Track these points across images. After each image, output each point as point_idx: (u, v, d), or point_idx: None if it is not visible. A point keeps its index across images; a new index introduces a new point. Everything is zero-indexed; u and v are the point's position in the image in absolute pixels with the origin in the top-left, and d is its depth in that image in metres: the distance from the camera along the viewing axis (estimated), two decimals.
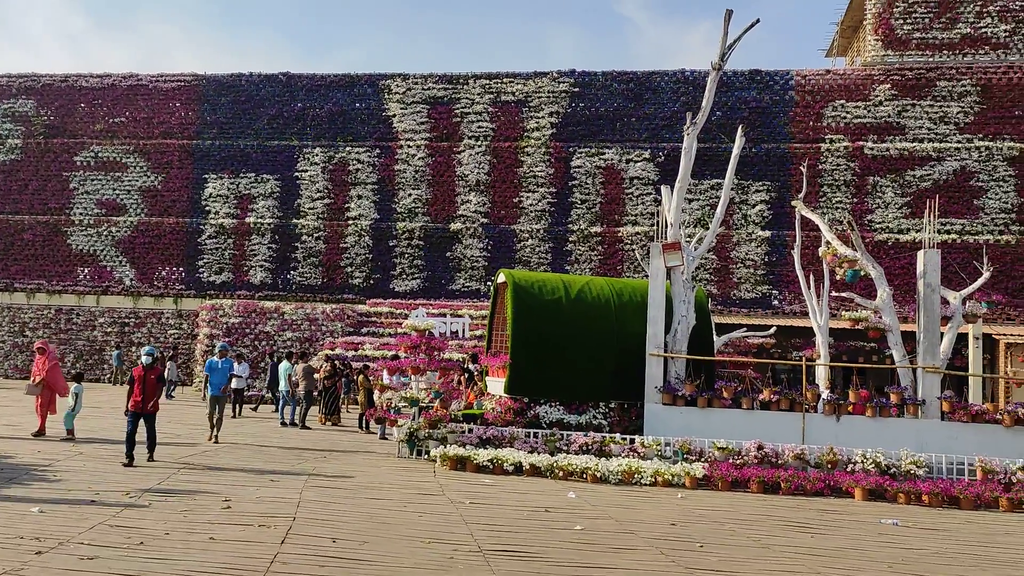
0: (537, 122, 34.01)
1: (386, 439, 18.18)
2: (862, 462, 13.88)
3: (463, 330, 30.15)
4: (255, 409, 24.85)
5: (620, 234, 33.02)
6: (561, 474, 13.62)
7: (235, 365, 20.08)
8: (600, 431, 15.85)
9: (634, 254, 31.74)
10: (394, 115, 35.23)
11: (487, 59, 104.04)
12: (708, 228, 18.93)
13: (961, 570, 8.63)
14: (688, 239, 23.58)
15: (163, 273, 36.03)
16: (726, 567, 8.25)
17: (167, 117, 36.84)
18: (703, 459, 14.40)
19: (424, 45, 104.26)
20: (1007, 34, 31.25)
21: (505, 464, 13.87)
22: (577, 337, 16.66)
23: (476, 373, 20.04)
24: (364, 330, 31.69)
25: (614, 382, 16.66)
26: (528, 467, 13.85)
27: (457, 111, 34.70)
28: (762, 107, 32.66)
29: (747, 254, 32.06)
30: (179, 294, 35.77)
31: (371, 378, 20.91)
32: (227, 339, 30.66)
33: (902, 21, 31.89)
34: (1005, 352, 26.86)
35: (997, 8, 31.41)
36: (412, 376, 16.15)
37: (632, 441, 14.89)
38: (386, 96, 35.44)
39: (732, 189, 31.20)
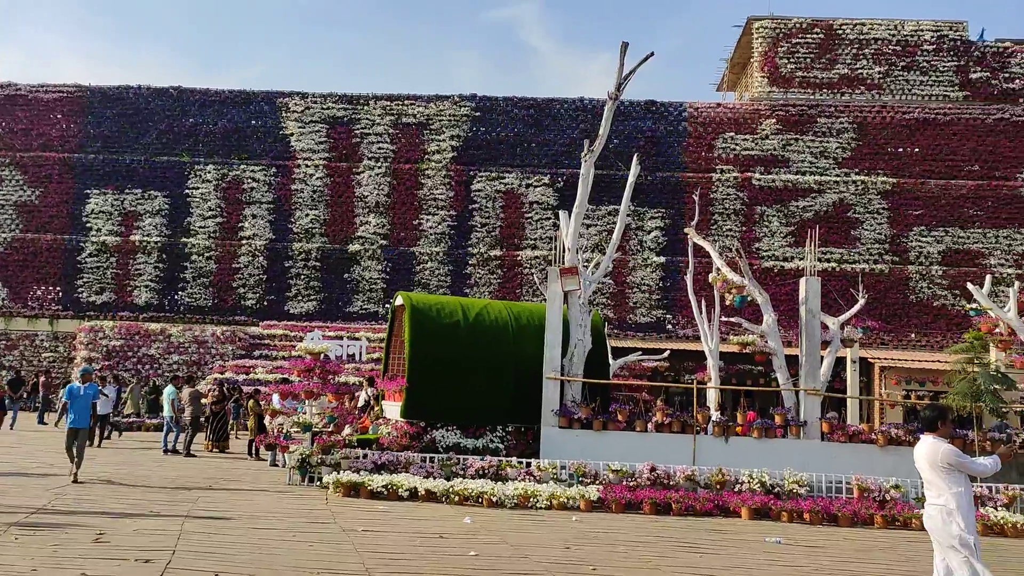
0: (438, 145, 34.05)
1: (276, 466, 17.63)
2: (748, 482, 14.29)
3: (360, 353, 29.68)
4: (120, 435, 23.43)
5: (519, 258, 33.30)
6: (457, 499, 13.49)
7: (100, 389, 18.81)
8: (497, 455, 15.80)
9: (533, 278, 32.04)
10: (292, 134, 34.62)
11: (388, 81, 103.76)
12: (605, 253, 19.27)
13: None
14: (585, 264, 23.93)
15: (38, 293, 34.12)
16: None
17: (47, 129, 35.10)
18: (598, 481, 14.53)
19: (323, 65, 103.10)
20: (881, 76, 33.25)
21: (400, 490, 13.64)
22: (475, 360, 16.61)
23: (372, 397, 19.72)
24: (257, 353, 30.81)
25: (512, 405, 16.67)
26: (424, 492, 13.66)
27: (357, 131, 34.39)
28: (657, 137, 33.65)
29: (642, 279, 32.83)
30: (55, 315, 33.93)
31: (262, 403, 20.29)
32: (107, 362, 29.24)
33: (786, 60, 33.51)
34: (879, 375, 28.30)
35: (872, 52, 33.40)
36: (305, 401, 15.75)
37: (529, 465, 14.90)
38: (283, 114, 34.80)
39: (628, 215, 32.02)
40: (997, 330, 20.29)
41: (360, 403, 19.69)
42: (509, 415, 16.70)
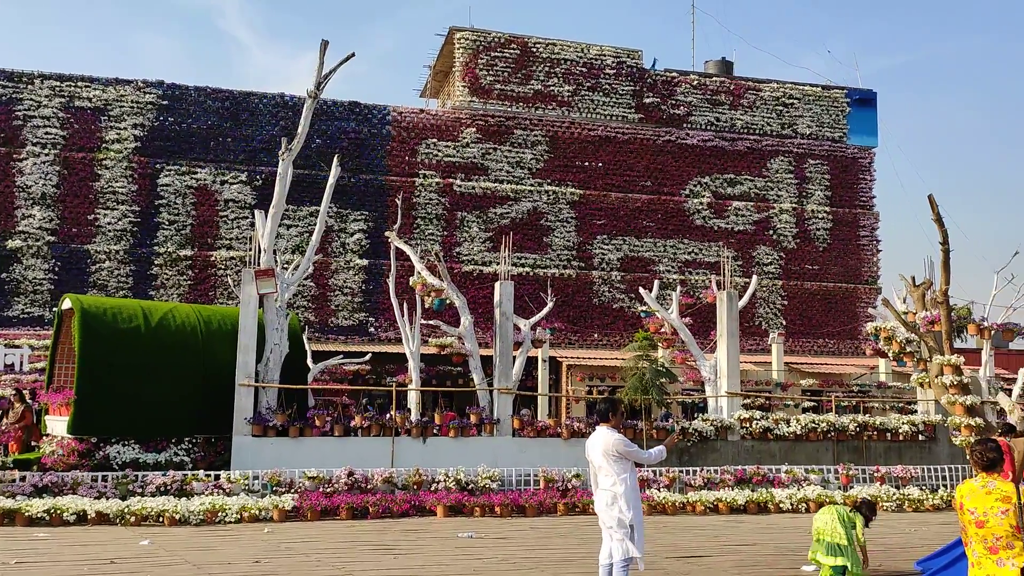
0: (118, 133, 31.08)
1: None
2: (445, 480, 14.65)
3: (20, 363, 26.25)
4: None
5: (213, 258, 31.40)
6: (134, 520, 12.38)
7: None
8: (182, 469, 14.77)
9: (227, 280, 30.42)
10: None
11: (58, 59, 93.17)
12: (305, 255, 18.79)
13: (523, 572, 9.42)
14: (286, 266, 23.17)
15: None
16: None
17: None
18: (293, 490, 14.10)
19: None
20: (570, 94, 35.84)
21: (65, 514, 12.23)
22: (158, 368, 15.47)
23: (30, 411, 17.50)
24: None
25: (200, 415, 15.80)
26: (94, 515, 12.39)
27: (18, 113, 30.33)
28: (361, 139, 33.48)
29: (345, 282, 32.47)
30: None
31: None
32: None
33: (485, 72, 34.96)
34: (567, 373, 30.47)
35: (562, 71, 35.89)
36: None
37: (218, 477, 14.11)
38: None
39: (330, 217, 31.55)
40: (663, 329, 22.71)
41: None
42: (197, 425, 15.77)
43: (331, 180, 18.45)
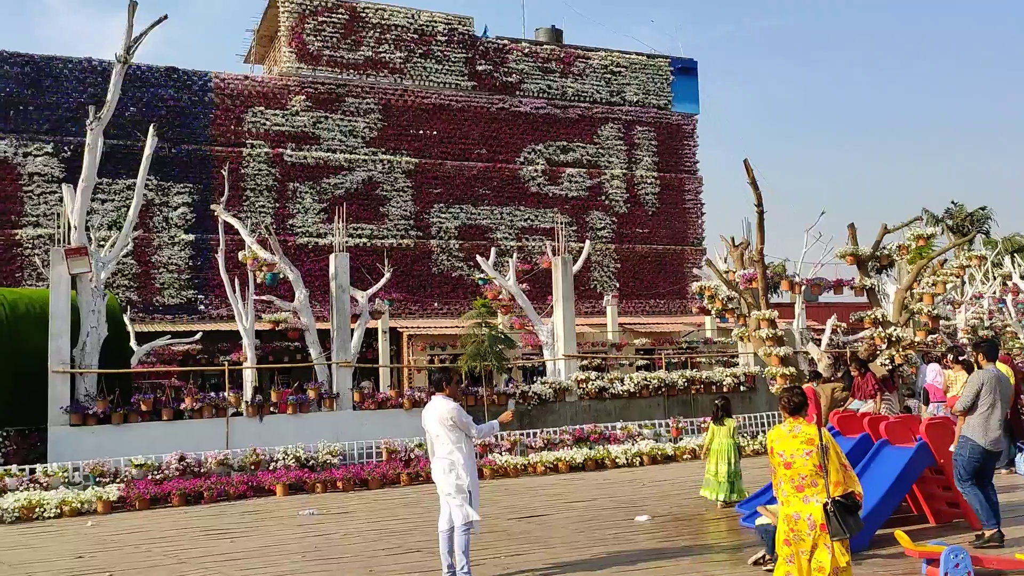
0: None
1: None
2: (284, 459, 14.28)
3: None
4: None
5: (18, 237, 28.87)
6: None
7: None
8: None
9: (35, 260, 28.13)
10: None
11: None
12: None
13: (366, 545, 9.37)
14: (101, 243, 21.69)
15: None
16: None
17: None
18: (119, 480, 13.35)
19: None
20: (402, 61, 35.32)
21: None
22: None
23: None
24: None
25: (9, 407, 14.69)
26: None
27: None
28: (181, 107, 31.64)
29: (170, 258, 30.79)
30: None
31: None
32: None
33: (313, 38, 33.82)
34: (408, 343, 30.36)
35: (393, 38, 35.27)
36: None
37: (33, 471, 13.15)
38: None
39: (151, 190, 29.73)
40: (501, 296, 23.04)
41: None
42: (8, 418, 14.65)
43: (147, 151, 17.35)
